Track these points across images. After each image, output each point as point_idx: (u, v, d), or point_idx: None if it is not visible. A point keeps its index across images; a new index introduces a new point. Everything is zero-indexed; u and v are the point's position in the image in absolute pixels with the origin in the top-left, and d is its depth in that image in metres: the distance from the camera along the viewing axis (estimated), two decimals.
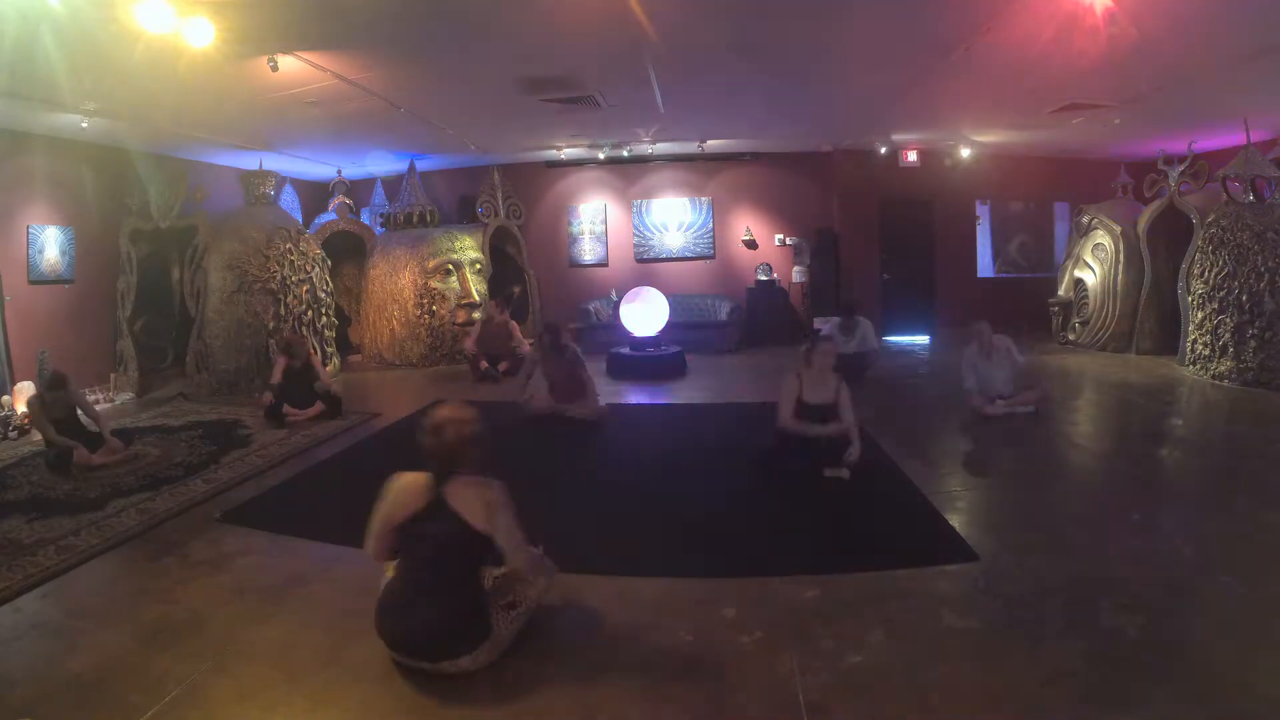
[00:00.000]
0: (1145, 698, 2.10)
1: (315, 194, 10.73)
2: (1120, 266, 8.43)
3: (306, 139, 8.18)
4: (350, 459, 5.02)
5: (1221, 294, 6.73)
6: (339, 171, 10.02)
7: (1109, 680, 2.20)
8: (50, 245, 6.93)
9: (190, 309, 7.54)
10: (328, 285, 8.21)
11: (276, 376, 6.10)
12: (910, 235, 10.58)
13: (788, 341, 9.22)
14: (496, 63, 5.57)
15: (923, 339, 10.25)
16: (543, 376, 6.02)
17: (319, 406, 6.17)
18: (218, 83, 5.42)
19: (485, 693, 2.25)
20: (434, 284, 8.93)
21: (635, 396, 7.00)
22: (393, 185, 10.44)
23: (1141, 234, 8.26)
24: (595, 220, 10.97)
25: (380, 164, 10.18)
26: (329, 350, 8.16)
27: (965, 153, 9.93)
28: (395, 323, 9.02)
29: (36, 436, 5.59)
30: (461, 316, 8.95)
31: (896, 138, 9.57)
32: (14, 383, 6.20)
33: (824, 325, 7.50)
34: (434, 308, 8.91)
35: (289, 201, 10.03)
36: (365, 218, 10.58)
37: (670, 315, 8.35)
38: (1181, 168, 7.92)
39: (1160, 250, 8.18)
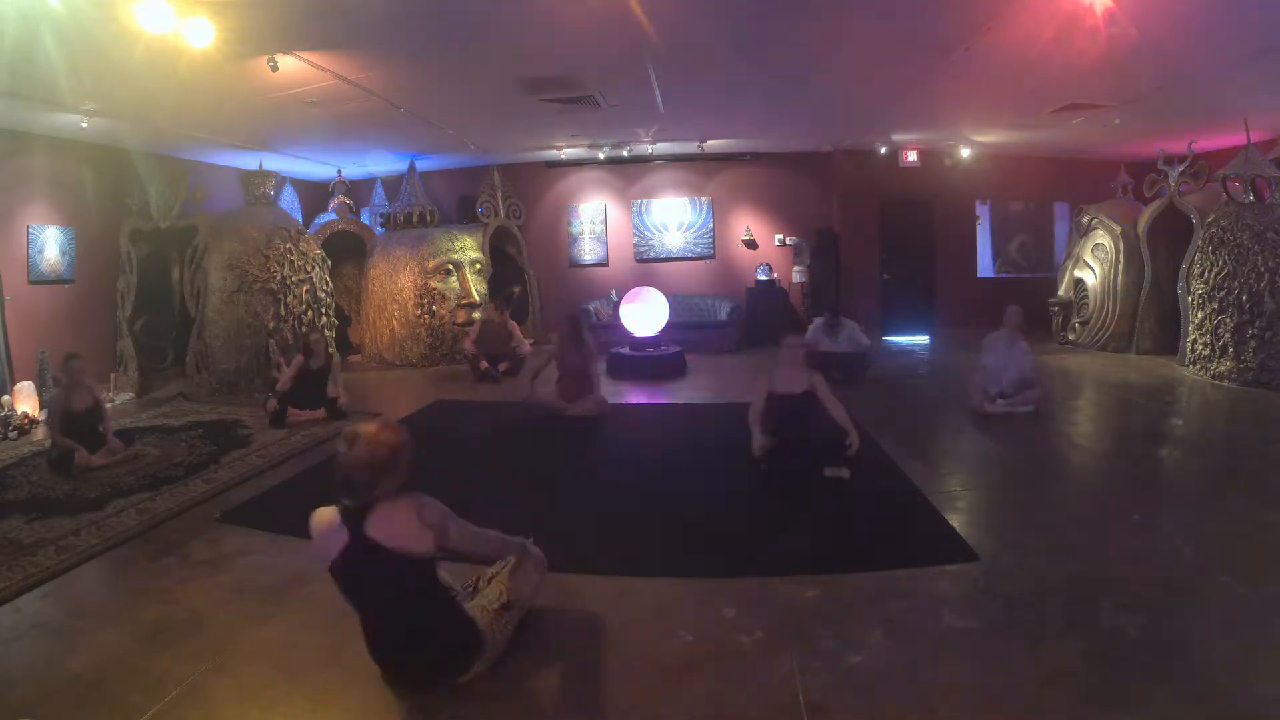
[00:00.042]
0: (1145, 698, 2.10)
1: (315, 194, 10.72)
2: (1120, 266, 8.43)
3: (306, 139, 8.18)
4: None
5: (1221, 294, 6.74)
6: (339, 171, 10.01)
7: (1109, 680, 2.20)
8: (50, 245, 6.94)
9: (190, 309, 7.53)
10: (328, 285, 8.21)
11: (288, 378, 5.99)
12: (910, 235, 10.56)
13: None
14: (496, 63, 5.57)
15: (923, 339, 10.25)
16: (555, 368, 6.03)
17: (323, 411, 6.11)
18: (218, 83, 5.42)
19: (485, 692, 2.25)
20: (434, 284, 8.93)
21: (635, 396, 7.01)
22: (393, 185, 10.44)
23: (1141, 234, 8.26)
24: (595, 220, 10.96)
25: (380, 164, 10.18)
26: (329, 351, 8.14)
27: (965, 153, 9.93)
28: (395, 323, 9.02)
29: (37, 436, 5.60)
30: (461, 316, 8.95)
31: (896, 138, 9.57)
32: (14, 383, 6.20)
33: (811, 325, 7.58)
34: (434, 308, 8.91)
35: (289, 201, 10.02)
36: (365, 218, 10.58)
37: (670, 315, 8.36)
38: (1181, 168, 7.92)
39: (1160, 250, 8.17)
